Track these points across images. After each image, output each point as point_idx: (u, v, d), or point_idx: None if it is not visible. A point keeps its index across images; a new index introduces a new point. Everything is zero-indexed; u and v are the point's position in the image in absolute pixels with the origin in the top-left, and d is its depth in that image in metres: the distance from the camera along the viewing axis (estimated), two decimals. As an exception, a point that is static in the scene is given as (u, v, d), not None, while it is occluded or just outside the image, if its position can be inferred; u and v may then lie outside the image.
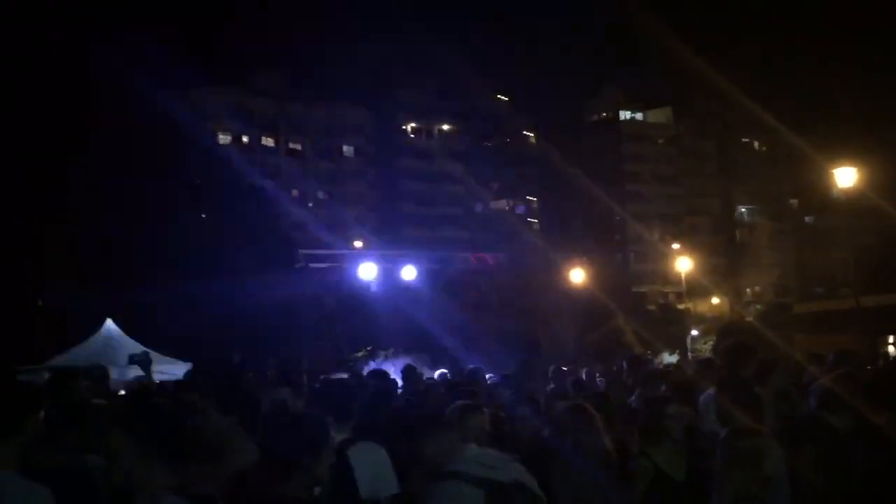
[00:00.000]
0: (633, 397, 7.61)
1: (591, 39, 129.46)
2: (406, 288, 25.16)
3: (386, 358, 18.81)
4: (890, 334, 28.97)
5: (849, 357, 8.41)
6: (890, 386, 4.98)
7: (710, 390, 5.72)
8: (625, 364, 10.32)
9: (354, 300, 27.61)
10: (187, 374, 8.59)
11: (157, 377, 11.45)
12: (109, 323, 16.85)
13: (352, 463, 4.12)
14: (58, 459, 3.76)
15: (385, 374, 7.99)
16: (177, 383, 7.99)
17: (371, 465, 4.22)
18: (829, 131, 44.31)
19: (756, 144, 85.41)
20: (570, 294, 43.48)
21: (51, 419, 3.79)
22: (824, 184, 32.33)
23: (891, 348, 26.80)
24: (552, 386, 8.62)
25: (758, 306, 68.92)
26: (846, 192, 22.60)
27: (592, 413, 4.35)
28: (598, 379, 10.37)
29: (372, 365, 16.94)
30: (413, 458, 4.14)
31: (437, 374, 11.46)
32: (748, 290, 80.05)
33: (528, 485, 3.72)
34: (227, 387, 5.26)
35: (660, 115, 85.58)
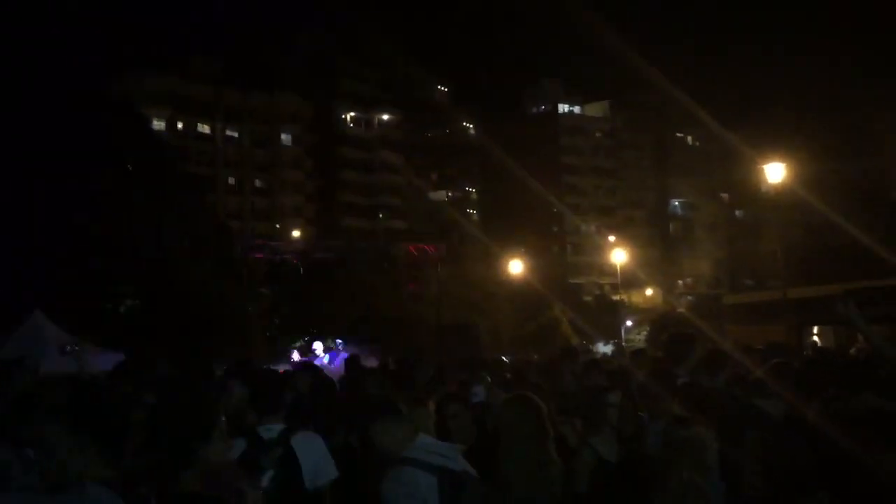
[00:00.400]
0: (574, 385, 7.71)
1: (530, 32, 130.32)
2: (346, 278, 25.10)
3: (329, 349, 18.74)
4: (815, 325, 30.02)
5: (780, 348, 8.71)
6: (820, 375, 5.16)
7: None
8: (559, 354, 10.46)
9: (292, 291, 27.39)
10: (118, 366, 8.37)
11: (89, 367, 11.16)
12: (38, 313, 16.33)
13: (297, 450, 4.21)
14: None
15: (315, 368, 7.97)
16: (110, 374, 7.79)
17: (312, 453, 4.33)
18: (758, 128, 45.56)
19: (690, 139, 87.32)
20: (509, 285, 43.89)
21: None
22: (754, 179, 33.20)
23: (815, 338, 27.77)
24: (491, 376, 8.66)
25: (689, 297, 70.68)
26: (775, 187, 23.26)
27: (538, 403, 4.39)
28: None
29: (316, 355, 16.89)
30: (363, 446, 4.18)
31: (377, 364, 11.44)
32: (680, 281, 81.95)
33: (474, 475, 3.78)
34: (168, 379, 5.17)
35: (597, 109, 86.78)
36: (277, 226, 66.92)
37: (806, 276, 29.42)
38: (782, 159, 22.86)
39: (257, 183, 70.24)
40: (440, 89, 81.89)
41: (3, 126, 23.68)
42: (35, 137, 24.37)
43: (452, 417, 5.42)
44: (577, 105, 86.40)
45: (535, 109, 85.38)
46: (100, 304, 22.69)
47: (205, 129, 67.44)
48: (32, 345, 12.88)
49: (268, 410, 4.47)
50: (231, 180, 68.49)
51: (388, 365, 10.04)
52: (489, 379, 7.82)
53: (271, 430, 4.28)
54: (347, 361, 8.72)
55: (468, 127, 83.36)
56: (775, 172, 22.42)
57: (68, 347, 8.23)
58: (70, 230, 25.25)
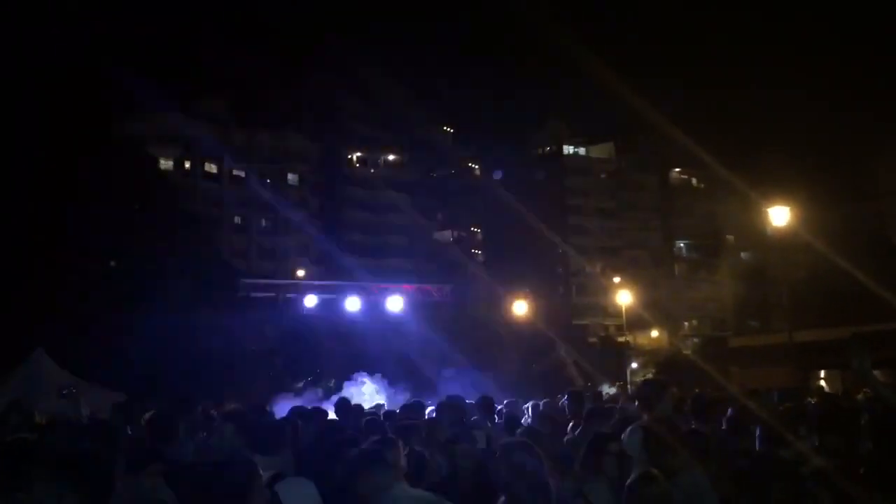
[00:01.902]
0: (578, 432, 7.62)
1: (535, 74, 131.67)
2: (350, 320, 24.99)
3: (329, 390, 18.59)
4: (821, 368, 29.79)
5: (791, 394, 8.65)
6: (840, 420, 5.09)
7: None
8: (566, 398, 10.34)
9: (297, 331, 27.23)
10: (116, 408, 8.34)
11: (87, 409, 11.09)
12: (40, 352, 16.28)
13: (281, 497, 4.11)
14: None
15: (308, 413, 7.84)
16: (110, 416, 7.74)
17: (303, 500, 4.20)
18: (763, 170, 45.74)
19: (694, 181, 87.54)
20: (513, 326, 43.66)
21: None
22: (759, 221, 33.22)
23: (822, 382, 27.53)
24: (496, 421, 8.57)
25: (695, 340, 70.27)
26: (780, 230, 23.26)
27: (536, 451, 4.31)
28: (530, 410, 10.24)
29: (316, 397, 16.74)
30: (346, 494, 4.14)
31: (374, 406, 11.35)
32: (686, 323, 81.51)
33: None
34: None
35: (602, 150, 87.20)
36: (283, 265, 67.00)
37: (811, 320, 29.26)
38: (787, 202, 22.89)
39: (263, 222, 70.54)
40: (445, 130, 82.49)
41: (9, 167, 23.88)
42: (42, 178, 24.54)
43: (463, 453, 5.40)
44: (582, 146, 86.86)
45: (540, 151, 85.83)
46: (103, 343, 22.60)
47: (211, 168, 67.95)
48: (31, 386, 12.83)
49: (265, 453, 4.42)
50: (237, 219, 68.79)
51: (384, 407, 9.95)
52: (489, 424, 7.72)
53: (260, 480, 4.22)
54: (337, 405, 8.62)
55: (473, 167, 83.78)
56: (780, 216, 22.45)
57: (66, 390, 8.19)
58: (75, 269, 25.31)
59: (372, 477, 3.80)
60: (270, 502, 4.06)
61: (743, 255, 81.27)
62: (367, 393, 17.35)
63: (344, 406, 8.46)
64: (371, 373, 20.36)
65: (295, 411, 7.82)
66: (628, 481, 3.87)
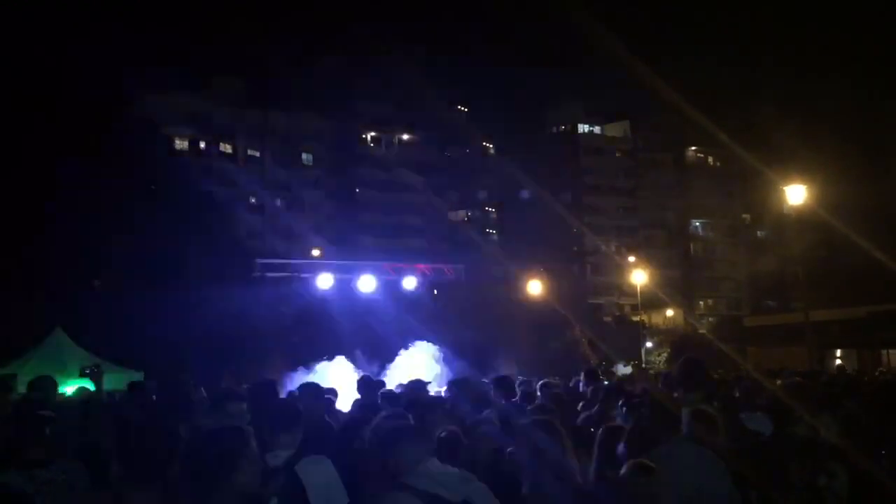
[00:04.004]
0: (594, 410, 7.65)
1: (550, 52, 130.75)
2: (365, 299, 25.07)
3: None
4: (838, 348, 29.72)
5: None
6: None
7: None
8: (582, 377, 10.38)
9: (312, 311, 27.36)
10: (130, 386, 8.46)
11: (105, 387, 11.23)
12: (59, 330, 16.49)
13: (302, 477, 4.13)
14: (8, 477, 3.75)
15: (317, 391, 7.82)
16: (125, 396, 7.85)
17: (320, 478, 4.26)
18: (780, 148, 45.33)
19: (710, 159, 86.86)
20: (528, 305, 43.65)
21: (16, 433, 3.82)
22: (776, 199, 32.97)
23: (839, 361, 27.45)
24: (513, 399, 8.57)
25: (711, 319, 70.07)
26: (796, 208, 23.07)
27: (560, 430, 4.32)
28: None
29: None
30: (368, 469, 4.16)
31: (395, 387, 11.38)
32: (701, 302, 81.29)
33: None
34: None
35: (617, 129, 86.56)
36: (297, 245, 67.21)
37: (828, 299, 29.11)
38: (804, 181, 22.66)
39: (278, 202, 70.74)
40: (460, 109, 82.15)
41: (27, 147, 24.03)
42: (59, 158, 24.69)
43: (482, 434, 5.40)
44: (598, 125, 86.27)
45: (555, 129, 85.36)
46: (120, 322, 22.82)
47: (226, 148, 68.13)
48: (53, 364, 13.01)
49: (284, 429, 4.44)
50: (252, 199, 69.03)
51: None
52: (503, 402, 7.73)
53: (278, 456, 4.22)
54: (360, 383, 8.67)
55: (488, 147, 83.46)
56: (796, 194, 22.24)
57: (88, 370, 8.30)
58: (93, 249, 25.52)
59: (407, 449, 3.79)
60: (288, 484, 4.08)
61: (759, 233, 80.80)
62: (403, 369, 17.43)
63: (367, 386, 8.51)
64: (390, 353, 20.46)
65: (305, 389, 7.85)
66: (623, 472, 3.85)
